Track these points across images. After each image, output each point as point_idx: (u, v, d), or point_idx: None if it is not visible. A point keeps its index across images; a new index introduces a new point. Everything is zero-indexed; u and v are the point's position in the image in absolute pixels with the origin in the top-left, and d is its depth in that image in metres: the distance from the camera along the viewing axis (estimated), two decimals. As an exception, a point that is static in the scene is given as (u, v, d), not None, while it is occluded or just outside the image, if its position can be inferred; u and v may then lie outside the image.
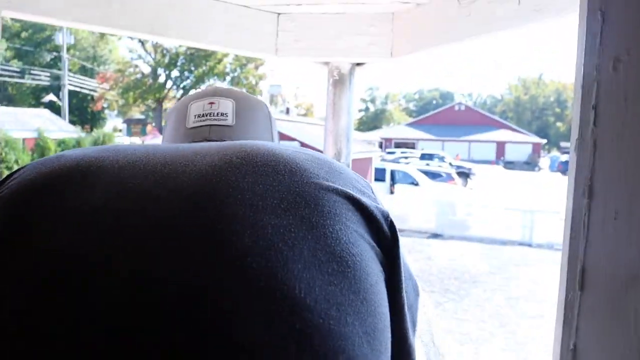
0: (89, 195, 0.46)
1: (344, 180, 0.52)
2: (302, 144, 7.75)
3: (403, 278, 0.52)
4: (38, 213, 0.46)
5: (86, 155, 0.52)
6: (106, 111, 36.50)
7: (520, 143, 41.80)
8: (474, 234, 10.10)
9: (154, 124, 33.04)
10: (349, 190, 0.50)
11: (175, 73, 33.00)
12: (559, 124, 70.25)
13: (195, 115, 0.72)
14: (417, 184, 13.50)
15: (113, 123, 41.97)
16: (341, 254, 0.45)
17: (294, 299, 0.40)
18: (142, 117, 38.23)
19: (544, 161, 43.61)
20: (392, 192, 13.63)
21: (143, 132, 34.18)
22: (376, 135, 31.27)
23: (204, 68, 31.91)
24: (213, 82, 33.54)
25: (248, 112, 0.75)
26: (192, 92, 0.67)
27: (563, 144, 56.74)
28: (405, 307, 0.52)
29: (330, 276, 0.43)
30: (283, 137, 7.88)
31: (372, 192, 0.56)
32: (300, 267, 0.42)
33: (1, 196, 0.49)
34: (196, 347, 0.38)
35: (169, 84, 32.85)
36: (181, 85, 33.00)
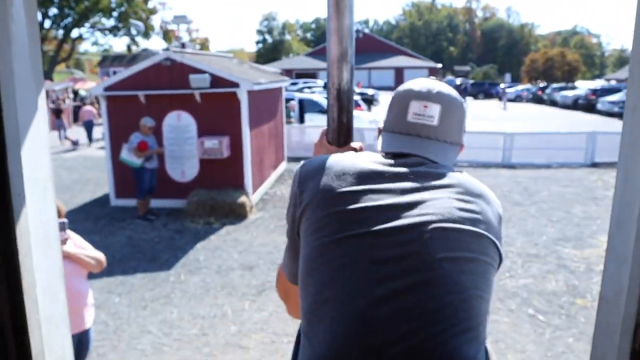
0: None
1: (491, 207, 1.01)
2: (213, 77, 7.59)
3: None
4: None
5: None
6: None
7: (417, 68, 43.28)
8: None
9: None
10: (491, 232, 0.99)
11: (53, 11, 29.59)
12: (451, 48, 73.04)
13: (413, 113, 1.06)
14: (325, 112, 13.60)
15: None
16: (478, 256, 0.94)
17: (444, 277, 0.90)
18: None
19: (440, 84, 45.47)
20: (302, 121, 13.69)
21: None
22: (276, 67, 30.70)
23: (86, 3, 28.87)
24: (99, 19, 30.53)
25: (450, 114, 1.06)
26: (407, 85, 1.16)
27: (457, 67, 59.48)
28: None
29: (467, 259, 0.93)
30: (194, 70, 7.64)
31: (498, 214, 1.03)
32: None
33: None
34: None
35: (47, 23, 29.50)
36: (62, 24, 29.80)
